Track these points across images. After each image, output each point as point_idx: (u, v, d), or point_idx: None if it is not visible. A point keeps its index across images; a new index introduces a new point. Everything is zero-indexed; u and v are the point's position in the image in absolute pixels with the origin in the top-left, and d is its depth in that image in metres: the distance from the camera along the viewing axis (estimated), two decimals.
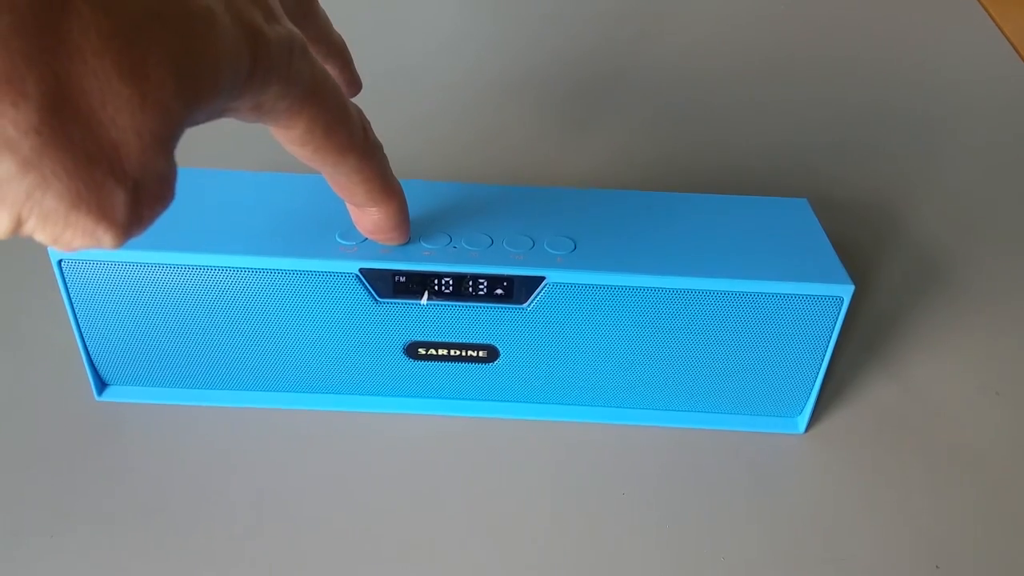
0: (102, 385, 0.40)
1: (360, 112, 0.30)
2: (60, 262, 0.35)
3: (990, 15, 0.86)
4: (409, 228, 0.35)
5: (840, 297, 0.36)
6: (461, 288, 0.36)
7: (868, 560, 0.36)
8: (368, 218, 0.34)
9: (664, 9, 0.85)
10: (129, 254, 0.35)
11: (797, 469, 0.40)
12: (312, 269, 0.35)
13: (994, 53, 0.81)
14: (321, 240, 0.36)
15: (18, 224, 0.18)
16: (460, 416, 0.41)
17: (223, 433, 0.39)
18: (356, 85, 0.38)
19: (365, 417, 0.40)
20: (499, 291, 0.36)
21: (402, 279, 0.36)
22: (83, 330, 0.37)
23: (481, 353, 0.38)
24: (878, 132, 0.67)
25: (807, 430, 0.41)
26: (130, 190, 0.19)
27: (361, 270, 0.35)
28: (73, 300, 0.36)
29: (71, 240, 0.19)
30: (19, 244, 0.48)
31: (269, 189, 0.39)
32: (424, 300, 0.36)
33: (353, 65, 0.38)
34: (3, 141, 0.16)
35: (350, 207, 0.34)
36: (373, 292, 0.36)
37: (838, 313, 0.37)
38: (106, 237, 0.19)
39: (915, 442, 0.41)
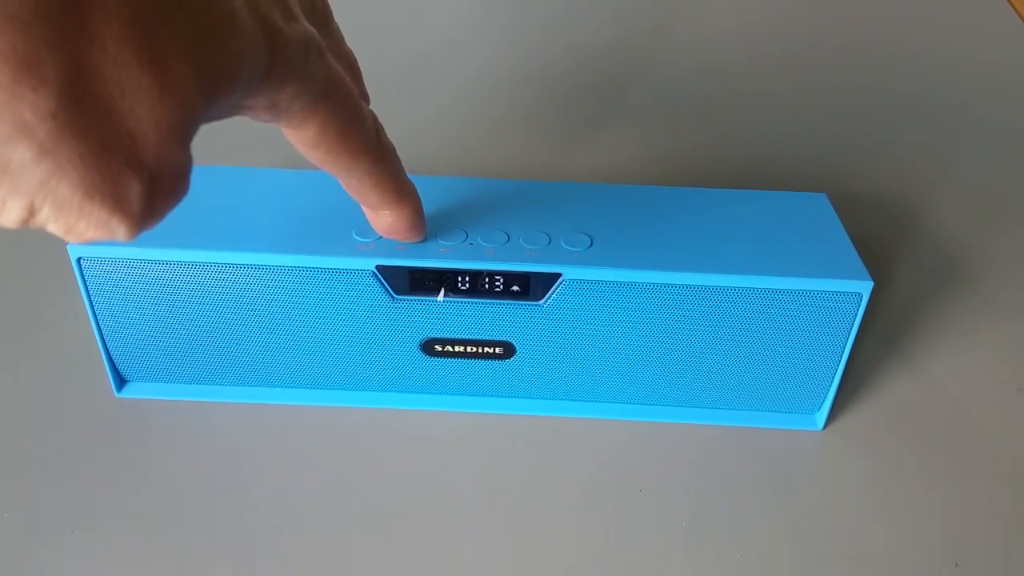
0: (121, 382, 0.40)
1: (374, 116, 0.30)
2: (79, 260, 0.35)
3: (1011, 3, 0.85)
4: (425, 228, 0.35)
5: (859, 293, 0.36)
6: (477, 285, 0.36)
7: (886, 558, 0.35)
8: (382, 220, 0.34)
9: (681, 2, 0.84)
10: (148, 251, 0.35)
11: (815, 466, 0.39)
12: (329, 266, 0.35)
13: (1015, 43, 0.80)
14: (338, 237, 0.36)
15: (31, 213, 0.17)
16: (476, 413, 0.41)
17: (241, 429, 0.39)
18: (365, 99, 0.38)
19: (381, 413, 0.40)
20: (515, 288, 0.36)
21: (419, 276, 0.36)
22: (102, 327, 0.38)
23: (497, 350, 0.38)
24: (897, 125, 0.66)
25: (826, 427, 0.41)
26: (145, 182, 0.18)
27: (378, 267, 0.35)
28: (92, 297, 0.37)
29: (84, 231, 0.18)
30: (38, 242, 0.49)
31: (286, 186, 0.40)
32: (440, 297, 0.36)
33: (363, 80, 0.37)
34: (20, 126, 0.16)
35: (365, 209, 0.34)
36: (390, 289, 0.36)
37: (857, 309, 0.36)
38: (120, 228, 0.19)
39: (934, 439, 0.41)
